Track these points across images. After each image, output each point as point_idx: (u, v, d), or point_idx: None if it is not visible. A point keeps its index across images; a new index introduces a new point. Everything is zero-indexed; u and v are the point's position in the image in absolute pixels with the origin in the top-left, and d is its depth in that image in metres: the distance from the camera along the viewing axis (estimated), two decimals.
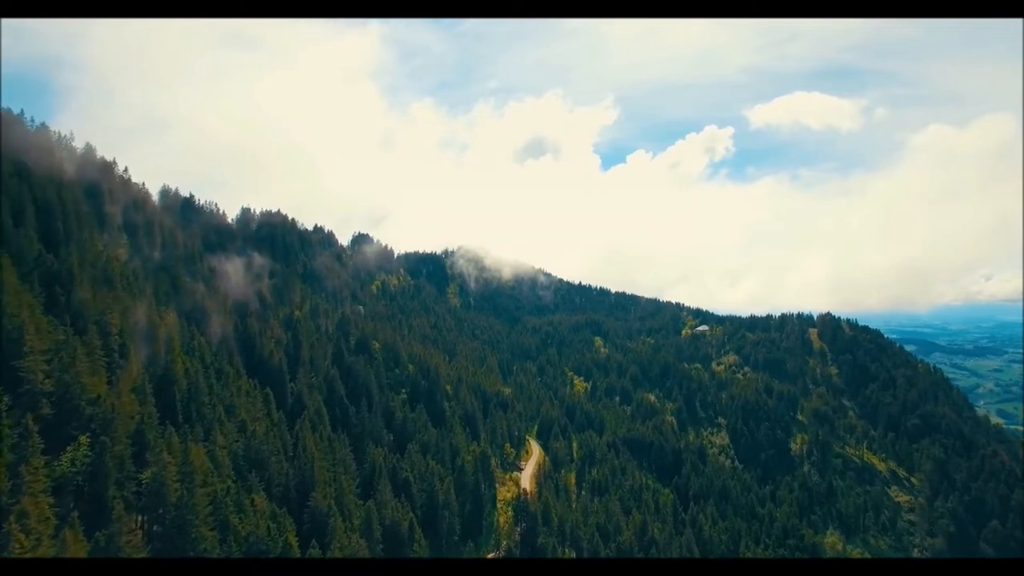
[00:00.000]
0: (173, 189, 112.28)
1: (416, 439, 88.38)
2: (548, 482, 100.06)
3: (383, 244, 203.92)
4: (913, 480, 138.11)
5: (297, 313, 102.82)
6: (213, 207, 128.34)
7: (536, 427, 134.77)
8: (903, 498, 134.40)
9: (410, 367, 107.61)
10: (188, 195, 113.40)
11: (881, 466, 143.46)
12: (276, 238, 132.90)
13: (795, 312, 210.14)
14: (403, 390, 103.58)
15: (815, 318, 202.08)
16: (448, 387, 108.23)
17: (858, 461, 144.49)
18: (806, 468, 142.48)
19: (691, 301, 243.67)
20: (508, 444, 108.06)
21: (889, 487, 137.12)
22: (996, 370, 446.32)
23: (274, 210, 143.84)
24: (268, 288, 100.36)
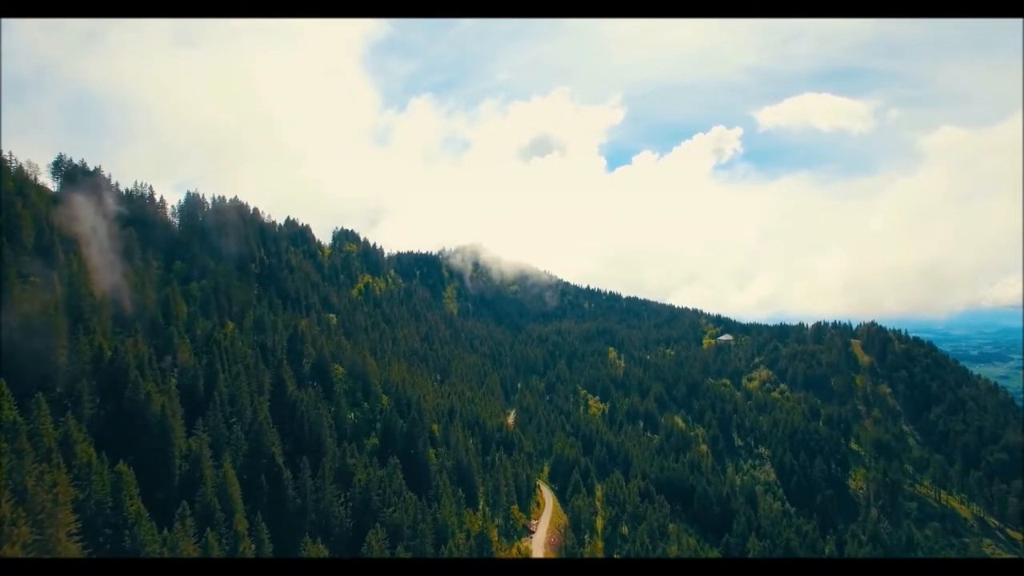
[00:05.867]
0: (78, 160, 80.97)
1: (382, 518, 57.27)
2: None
3: (372, 242, 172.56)
4: (1011, 533, 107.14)
5: (229, 327, 71.78)
6: (145, 190, 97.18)
7: (548, 466, 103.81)
8: (1002, 555, 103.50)
9: (384, 399, 76.53)
10: (93, 168, 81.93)
11: (965, 512, 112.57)
12: (226, 231, 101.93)
13: (828, 321, 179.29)
14: (372, 432, 72.61)
15: (855, 328, 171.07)
16: (435, 427, 77.07)
17: (936, 505, 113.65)
18: (873, 514, 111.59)
19: (699, 303, 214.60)
20: (516, 506, 76.77)
21: (981, 540, 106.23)
22: (1003, 377, 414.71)
23: (230, 198, 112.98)
24: (181, 294, 69.10)
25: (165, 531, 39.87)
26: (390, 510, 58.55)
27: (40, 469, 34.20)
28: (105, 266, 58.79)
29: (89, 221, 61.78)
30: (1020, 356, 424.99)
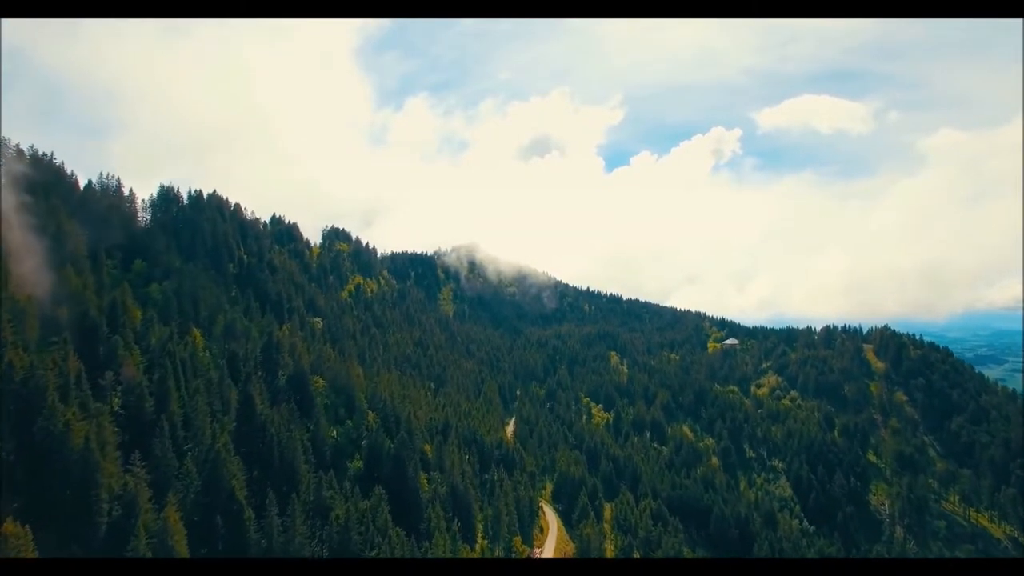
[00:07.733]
0: (27, 147, 71.36)
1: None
2: None
3: (364, 241, 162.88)
4: None
5: (195, 334, 62.11)
6: (112, 182, 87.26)
7: (551, 484, 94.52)
8: None
9: (370, 416, 67.02)
10: (45, 154, 71.92)
11: (997, 531, 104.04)
12: (201, 228, 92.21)
13: (830, 322, 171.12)
14: (356, 454, 63.12)
15: (865, 332, 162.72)
16: (428, 446, 67.68)
17: (966, 524, 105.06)
18: (899, 533, 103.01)
19: (699, 305, 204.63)
20: (518, 536, 67.32)
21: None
22: (1000, 380, 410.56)
23: (208, 191, 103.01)
24: (137, 297, 59.53)
25: None
26: (373, 552, 49.13)
27: None
28: (34, 264, 49.08)
29: (11, 209, 51.98)
30: (1017, 358, 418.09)
